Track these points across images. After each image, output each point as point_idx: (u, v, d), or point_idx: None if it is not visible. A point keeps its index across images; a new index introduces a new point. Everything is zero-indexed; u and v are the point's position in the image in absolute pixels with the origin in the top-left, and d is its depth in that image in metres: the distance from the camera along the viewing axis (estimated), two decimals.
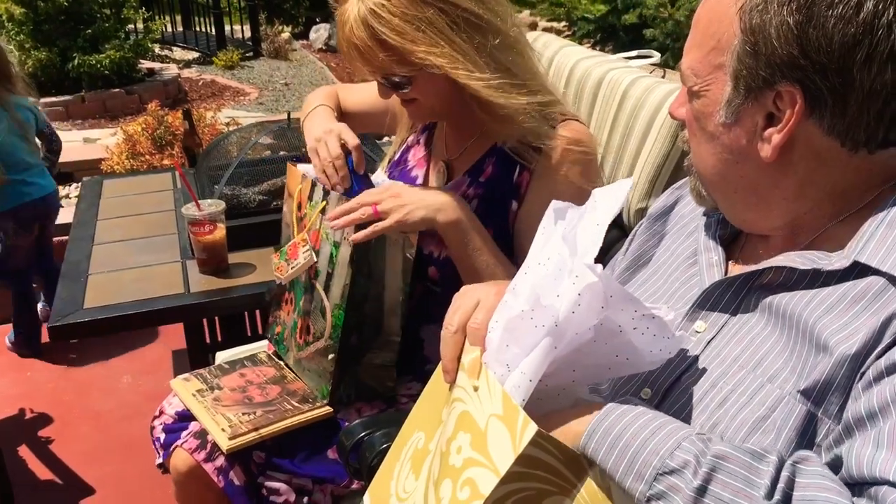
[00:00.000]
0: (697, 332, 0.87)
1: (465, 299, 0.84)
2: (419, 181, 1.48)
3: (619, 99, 1.49)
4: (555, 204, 0.83)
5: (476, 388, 0.76)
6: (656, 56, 1.73)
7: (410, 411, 0.95)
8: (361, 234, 1.27)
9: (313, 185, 1.44)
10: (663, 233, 1.07)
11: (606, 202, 0.78)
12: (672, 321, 0.82)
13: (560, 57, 1.70)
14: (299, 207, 1.48)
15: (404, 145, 1.55)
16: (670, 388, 0.86)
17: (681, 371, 0.86)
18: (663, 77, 1.56)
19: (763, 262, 0.84)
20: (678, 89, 1.39)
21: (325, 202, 1.40)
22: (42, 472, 2.42)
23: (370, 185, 1.40)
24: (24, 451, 2.51)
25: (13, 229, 2.93)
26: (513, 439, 0.70)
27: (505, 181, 1.36)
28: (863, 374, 0.72)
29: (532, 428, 0.68)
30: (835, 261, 0.78)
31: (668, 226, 1.07)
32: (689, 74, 0.84)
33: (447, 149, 1.47)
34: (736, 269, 0.91)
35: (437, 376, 0.88)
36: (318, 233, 1.42)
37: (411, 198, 1.27)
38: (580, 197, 1.28)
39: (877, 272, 0.76)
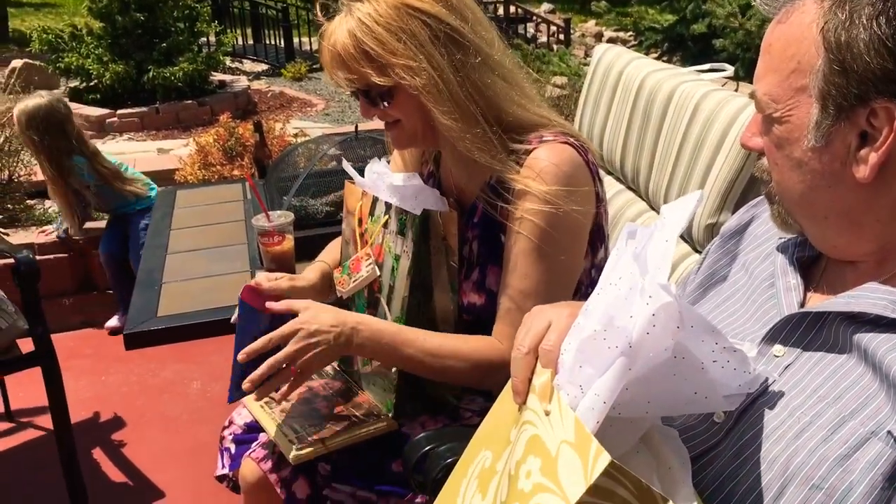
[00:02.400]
0: (776, 356, 0.85)
1: (536, 320, 0.83)
2: None
3: (690, 112, 1.46)
4: (628, 226, 0.81)
5: (547, 413, 0.75)
6: (729, 69, 1.69)
7: (477, 428, 0.94)
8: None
9: (374, 200, 1.45)
10: (736, 252, 1.04)
11: (674, 217, 0.77)
12: (753, 357, 0.79)
13: (630, 69, 1.68)
14: (360, 223, 1.49)
15: None
16: (744, 411, 0.84)
17: (756, 394, 0.83)
18: (736, 90, 1.53)
19: (848, 297, 0.81)
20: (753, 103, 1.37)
21: (387, 216, 1.41)
22: (115, 475, 2.49)
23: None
24: (97, 454, 2.59)
25: None
26: (584, 468, 0.68)
27: (493, 217, 1.35)
28: None
29: (605, 458, 0.67)
30: None
31: (741, 245, 1.04)
32: (767, 101, 0.82)
33: (454, 182, 1.46)
34: (817, 298, 0.88)
35: (506, 395, 0.88)
36: (381, 247, 1.43)
37: (318, 358, 1.28)
38: (545, 224, 1.25)
39: None
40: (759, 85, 0.83)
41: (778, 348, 0.85)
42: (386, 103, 1.30)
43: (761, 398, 0.83)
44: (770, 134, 0.83)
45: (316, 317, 1.29)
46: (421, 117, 1.31)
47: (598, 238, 1.37)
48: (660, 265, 0.72)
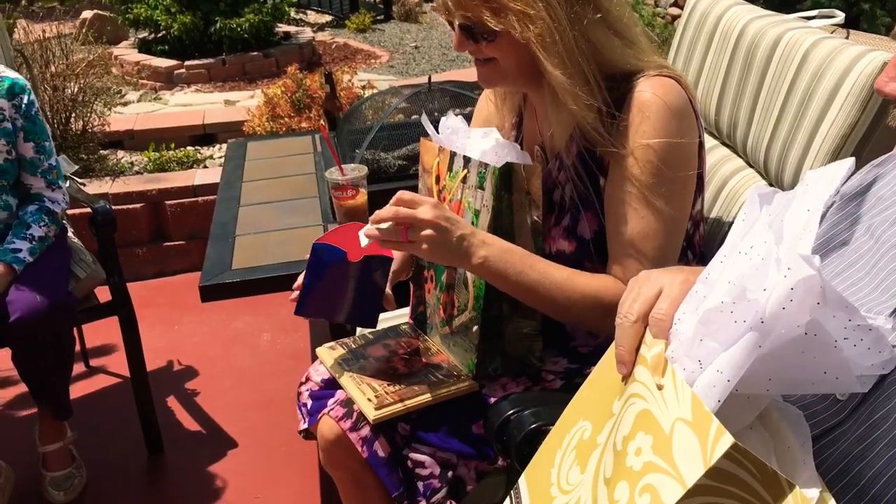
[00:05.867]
0: None
1: (645, 286, 0.76)
2: None
3: (797, 62, 1.36)
4: (759, 189, 0.74)
5: (660, 387, 0.69)
6: (840, 16, 1.57)
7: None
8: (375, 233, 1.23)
9: (452, 155, 1.39)
10: (858, 215, 0.96)
11: (820, 186, 0.69)
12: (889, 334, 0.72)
13: (729, 15, 1.57)
14: (437, 180, 1.44)
15: None
16: (872, 388, 0.77)
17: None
18: (847, 38, 1.41)
19: None
20: (871, 52, 1.26)
21: (465, 171, 1.36)
22: (188, 423, 2.53)
23: None
24: (172, 402, 2.64)
25: None
26: (703, 449, 0.63)
27: (591, 158, 1.29)
28: None
29: (727, 439, 0.61)
30: None
31: (863, 207, 0.96)
32: None
33: (540, 130, 1.41)
34: None
35: (606, 364, 0.82)
36: (461, 203, 1.38)
37: (436, 244, 1.21)
38: (656, 158, 1.20)
39: None
40: None
41: None
42: (486, 40, 1.25)
43: (892, 375, 0.76)
44: None
45: (453, 213, 1.24)
46: (518, 61, 1.25)
47: (697, 186, 1.30)
48: (801, 235, 0.65)
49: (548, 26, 1.17)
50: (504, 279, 1.24)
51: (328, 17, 8.11)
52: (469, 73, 1.38)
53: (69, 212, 2.37)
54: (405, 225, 1.21)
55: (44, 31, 3.96)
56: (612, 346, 0.79)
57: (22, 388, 2.27)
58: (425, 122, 1.44)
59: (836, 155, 1.28)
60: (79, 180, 2.65)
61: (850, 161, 0.71)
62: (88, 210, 2.30)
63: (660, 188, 1.22)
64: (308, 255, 1.39)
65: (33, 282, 1.98)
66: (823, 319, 0.67)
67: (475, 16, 1.22)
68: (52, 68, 3.84)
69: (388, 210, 1.21)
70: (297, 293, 1.40)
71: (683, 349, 0.70)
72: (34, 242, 2.05)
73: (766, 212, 0.71)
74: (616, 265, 1.27)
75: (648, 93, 1.22)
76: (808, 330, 0.66)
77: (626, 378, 0.76)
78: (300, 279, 1.40)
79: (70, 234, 2.33)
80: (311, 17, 8.20)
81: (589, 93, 1.21)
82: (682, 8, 1.71)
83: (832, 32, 1.48)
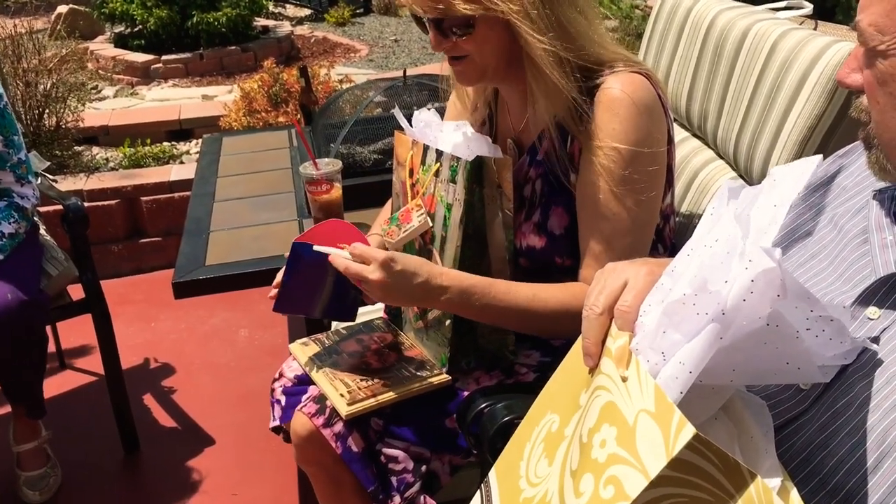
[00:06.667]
0: (870, 318, 0.78)
1: (611, 278, 0.77)
2: None
3: (766, 53, 1.37)
4: (728, 183, 0.74)
5: (624, 379, 0.70)
6: (808, 7, 1.58)
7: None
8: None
9: (426, 148, 1.39)
10: (822, 205, 0.96)
11: (787, 181, 0.70)
12: (850, 328, 0.73)
13: (699, 7, 1.58)
14: (411, 174, 1.44)
15: None
16: (835, 377, 0.78)
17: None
18: (815, 29, 1.42)
19: None
20: (837, 43, 1.27)
21: (438, 164, 1.36)
22: (165, 420, 2.52)
23: None
24: (148, 400, 2.61)
25: None
26: (666, 440, 0.63)
27: (561, 154, 1.29)
28: None
29: (689, 430, 0.62)
30: None
31: (827, 198, 0.97)
32: (873, 32, 0.74)
33: (512, 124, 1.41)
34: None
35: (573, 356, 0.82)
36: (433, 196, 1.38)
37: (390, 298, 1.26)
38: (626, 157, 1.20)
39: None
40: (865, 14, 0.75)
41: (872, 310, 0.78)
42: (460, 35, 1.23)
43: (854, 364, 0.76)
44: (873, 68, 0.76)
45: (408, 262, 1.24)
46: (495, 52, 1.25)
47: (667, 180, 1.31)
48: (766, 230, 0.66)
49: (523, 4, 1.17)
50: (470, 315, 1.28)
51: (307, 11, 8.06)
52: (447, 67, 1.36)
53: (41, 209, 2.34)
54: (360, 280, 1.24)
55: (15, 26, 3.90)
56: (580, 338, 0.80)
57: None
58: (398, 115, 1.43)
59: (803, 146, 1.28)
60: (51, 177, 2.62)
61: (817, 158, 0.72)
62: (60, 207, 2.27)
63: (629, 186, 1.22)
64: (287, 254, 1.37)
65: (4, 279, 1.95)
66: (785, 310, 0.67)
67: (446, 6, 1.20)
68: (24, 64, 3.78)
69: (339, 263, 1.24)
70: (275, 291, 1.39)
71: (647, 341, 0.70)
72: (4, 239, 2.02)
73: (733, 206, 0.71)
74: (587, 264, 1.27)
75: (617, 89, 1.21)
76: (769, 321, 0.67)
77: (593, 370, 0.77)
78: (279, 276, 1.39)
79: (42, 231, 2.30)
80: (290, 10, 8.15)
81: (561, 72, 1.21)
82: None
83: (801, 24, 1.48)
